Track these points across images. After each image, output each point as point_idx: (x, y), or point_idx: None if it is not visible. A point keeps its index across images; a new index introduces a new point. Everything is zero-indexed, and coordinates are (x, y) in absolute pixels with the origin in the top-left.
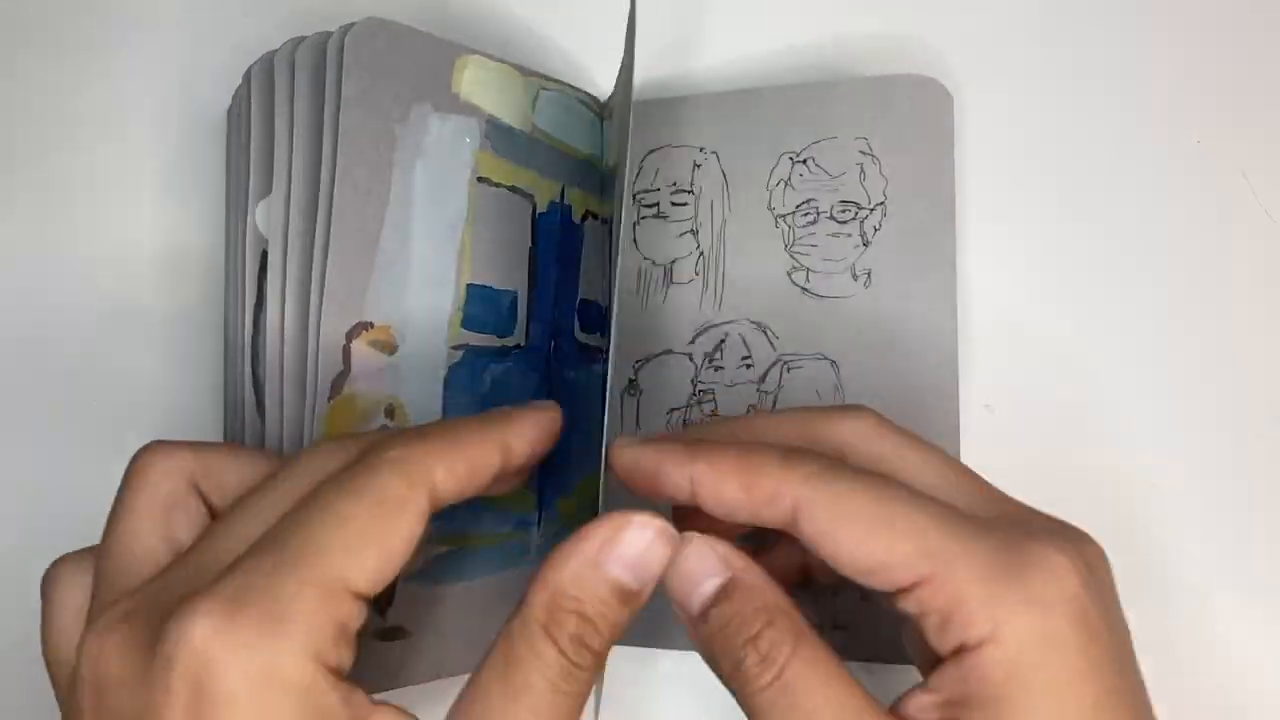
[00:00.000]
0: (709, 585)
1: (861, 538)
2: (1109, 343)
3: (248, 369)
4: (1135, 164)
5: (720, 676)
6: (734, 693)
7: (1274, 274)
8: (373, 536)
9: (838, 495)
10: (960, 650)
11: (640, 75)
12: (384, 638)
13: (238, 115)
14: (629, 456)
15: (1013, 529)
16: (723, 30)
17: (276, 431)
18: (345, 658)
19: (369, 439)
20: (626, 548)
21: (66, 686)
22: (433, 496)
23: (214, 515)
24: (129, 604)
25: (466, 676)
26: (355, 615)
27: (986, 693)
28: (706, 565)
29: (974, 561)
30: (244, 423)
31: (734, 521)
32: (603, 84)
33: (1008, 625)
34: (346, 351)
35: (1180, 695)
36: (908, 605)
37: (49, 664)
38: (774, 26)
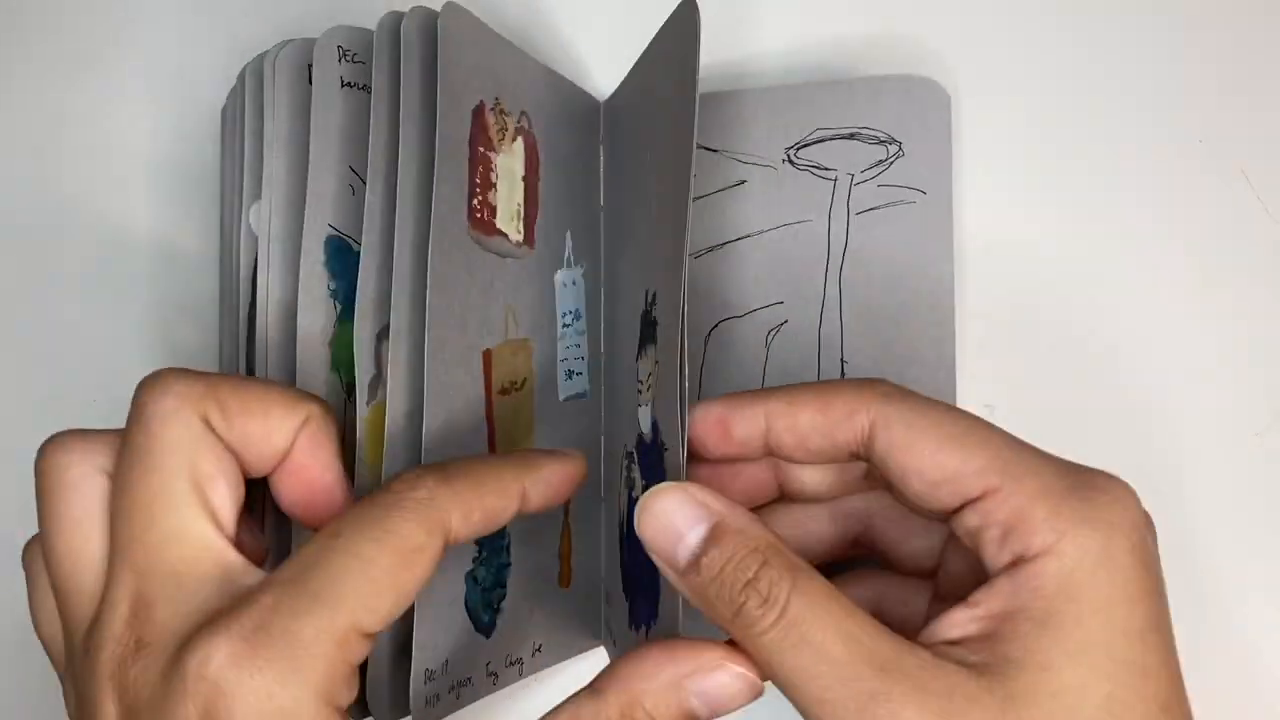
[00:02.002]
0: (694, 535)
1: (936, 448)
2: (1107, 342)
3: (244, 368)
4: (1137, 163)
5: (719, 623)
6: (737, 639)
7: (1274, 273)
8: (389, 583)
9: (915, 410)
10: (1017, 562)
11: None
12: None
13: (232, 115)
14: (699, 413)
15: (1071, 464)
16: (724, 30)
17: None
18: (349, 695)
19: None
20: (713, 683)
21: (65, 663)
22: (447, 541)
23: (241, 462)
24: (142, 630)
25: None
26: (364, 654)
27: (1037, 604)
28: (688, 513)
29: (1042, 479)
30: None
31: (806, 452)
32: (601, 82)
33: (1069, 539)
34: (378, 355)
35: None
36: (970, 519)
37: (42, 640)
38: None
